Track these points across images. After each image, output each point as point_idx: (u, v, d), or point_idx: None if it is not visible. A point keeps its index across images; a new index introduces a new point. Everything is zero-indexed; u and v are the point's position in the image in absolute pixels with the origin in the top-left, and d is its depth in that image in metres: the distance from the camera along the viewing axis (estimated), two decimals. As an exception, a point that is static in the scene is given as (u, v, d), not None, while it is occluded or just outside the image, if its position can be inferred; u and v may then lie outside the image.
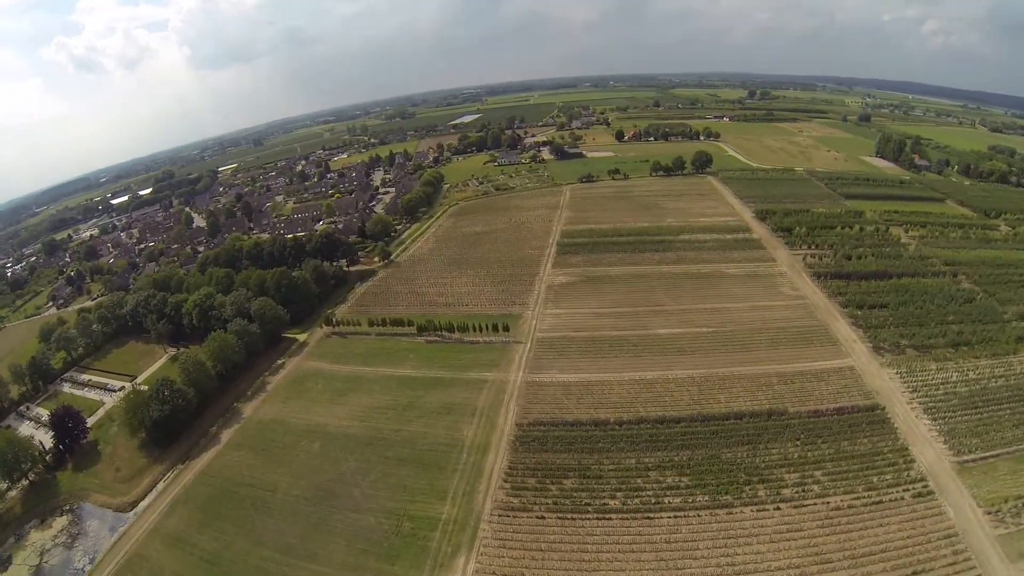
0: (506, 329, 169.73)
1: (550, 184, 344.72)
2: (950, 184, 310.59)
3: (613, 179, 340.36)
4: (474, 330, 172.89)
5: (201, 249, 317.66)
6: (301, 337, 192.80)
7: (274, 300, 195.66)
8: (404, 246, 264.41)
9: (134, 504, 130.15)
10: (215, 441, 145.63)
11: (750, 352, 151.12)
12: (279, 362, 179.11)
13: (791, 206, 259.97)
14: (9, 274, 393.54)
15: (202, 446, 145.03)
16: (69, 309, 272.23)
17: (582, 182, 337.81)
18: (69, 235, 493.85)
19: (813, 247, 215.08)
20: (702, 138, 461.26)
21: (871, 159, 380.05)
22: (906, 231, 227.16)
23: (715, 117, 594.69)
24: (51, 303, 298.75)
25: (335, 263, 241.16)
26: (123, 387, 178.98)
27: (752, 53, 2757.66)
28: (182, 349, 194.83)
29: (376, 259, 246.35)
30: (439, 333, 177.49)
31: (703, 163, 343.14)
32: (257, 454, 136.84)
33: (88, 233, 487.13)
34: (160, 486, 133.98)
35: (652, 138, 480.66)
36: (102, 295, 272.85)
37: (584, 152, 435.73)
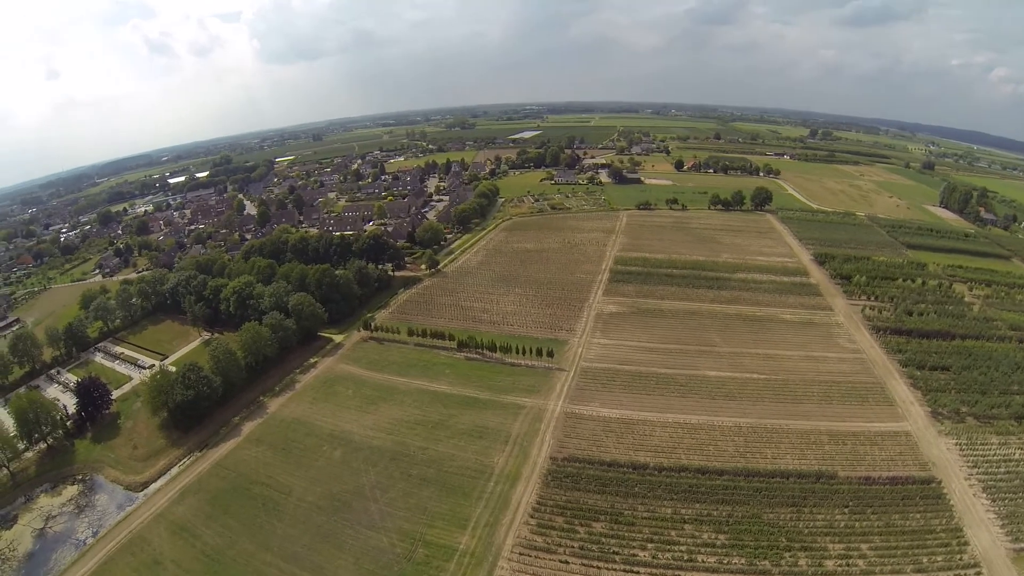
0: (550, 355, 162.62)
1: (606, 208, 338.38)
2: (1017, 241, 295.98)
3: (671, 209, 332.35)
4: (517, 352, 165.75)
5: (248, 237, 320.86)
6: (337, 338, 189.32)
7: (314, 297, 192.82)
8: (453, 256, 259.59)
9: (145, 484, 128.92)
10: (236, 432, 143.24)
11: (801, 405, 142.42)
12: (312, 361, 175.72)
13: (851, 252, 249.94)
14: (63, 239, 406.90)
15: (222, 435, 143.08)
16: (113, 279, 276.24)
17: (639, 209, 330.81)
18: (124, 208, 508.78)
19: (872, 298, 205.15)
20: (762, 174, 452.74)
21: (935, 208, 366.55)
22: (970, 289, 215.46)
23: (776, 154, 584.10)
24: (97, 271, 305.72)
25: (380, 266, 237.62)
26: (153, 365, 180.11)
27: (815, 88, 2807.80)
28: (216, 334, 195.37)
29: (423, 267, 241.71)
30: (480, 351, 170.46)
31: (763, 200, 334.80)
32: (276, 453, 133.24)
33: (143, 208, 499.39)
34: (174, 471, 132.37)
35: (711, 170, 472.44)
36: (147, 270, 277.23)
37: (642, 178, 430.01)
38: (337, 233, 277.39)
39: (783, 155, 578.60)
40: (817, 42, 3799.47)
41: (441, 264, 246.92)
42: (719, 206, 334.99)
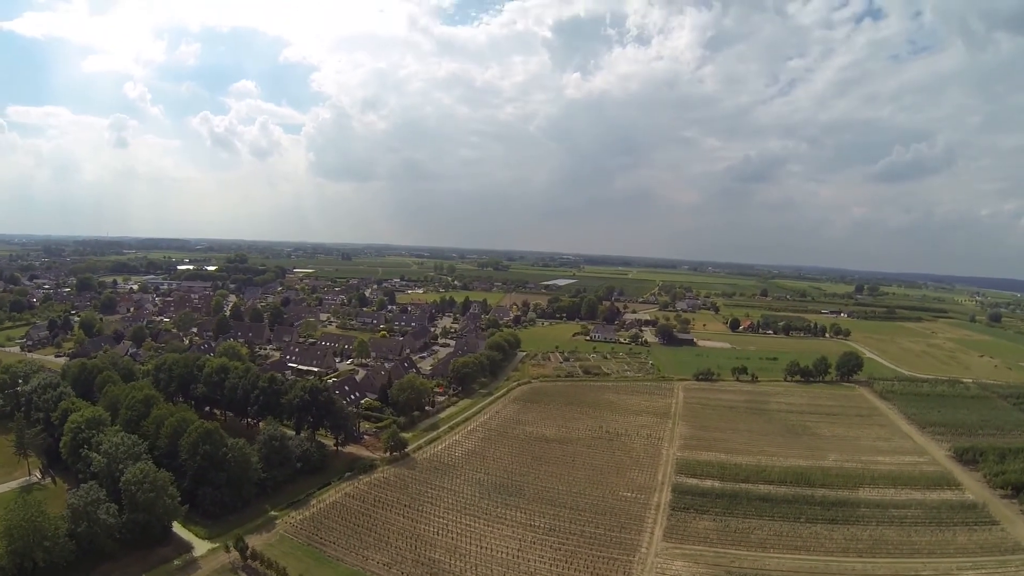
0: None
1: (655, 377, 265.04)
2: None
3: (738, 380, 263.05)
4: None
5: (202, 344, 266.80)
6: (200, 547, 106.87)
7: (184, 469, 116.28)
8: (435, 433, 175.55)
9: None
10: None
11: None
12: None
13: (995, 441, 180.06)
14: (31, 294, 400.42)
15: None
16: (30, 355, 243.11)
17: (698, 380, 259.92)
18: (115, 281, 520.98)
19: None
20: (829, 335, 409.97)
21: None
22: None
23: (832, 312, 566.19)
24: (21, 341, 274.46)
25: (319, 429, 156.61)
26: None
27: (848, 245, 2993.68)
28: (49, 480, 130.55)
29: (383, 447, 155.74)
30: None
31: (850, 368, 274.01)
32: None
33: (130, 286, 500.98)
34: None
35: (771, 331, 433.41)
36: (69, 354, 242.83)
37: (695, 339, 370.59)
38: (298, 366, 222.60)
39: (839, 313, 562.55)
40: (850, 199, 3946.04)
41: (412, 446, 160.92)
42: (797, 376, 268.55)
